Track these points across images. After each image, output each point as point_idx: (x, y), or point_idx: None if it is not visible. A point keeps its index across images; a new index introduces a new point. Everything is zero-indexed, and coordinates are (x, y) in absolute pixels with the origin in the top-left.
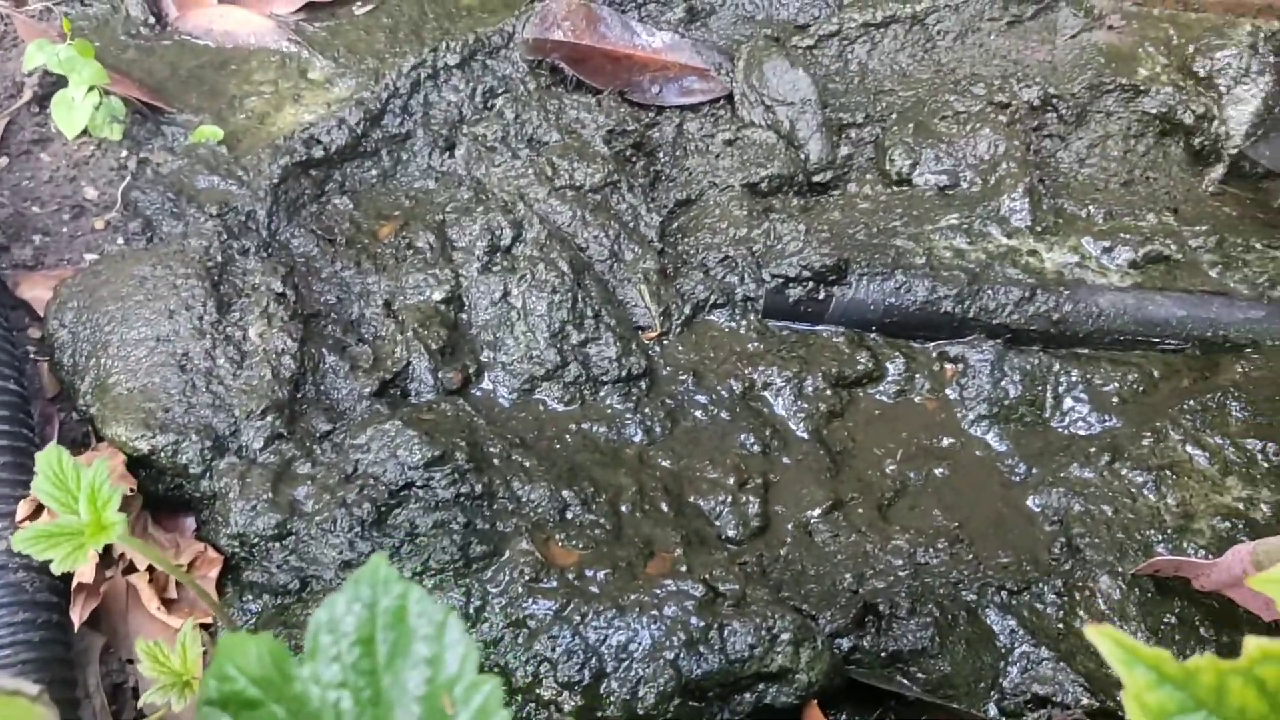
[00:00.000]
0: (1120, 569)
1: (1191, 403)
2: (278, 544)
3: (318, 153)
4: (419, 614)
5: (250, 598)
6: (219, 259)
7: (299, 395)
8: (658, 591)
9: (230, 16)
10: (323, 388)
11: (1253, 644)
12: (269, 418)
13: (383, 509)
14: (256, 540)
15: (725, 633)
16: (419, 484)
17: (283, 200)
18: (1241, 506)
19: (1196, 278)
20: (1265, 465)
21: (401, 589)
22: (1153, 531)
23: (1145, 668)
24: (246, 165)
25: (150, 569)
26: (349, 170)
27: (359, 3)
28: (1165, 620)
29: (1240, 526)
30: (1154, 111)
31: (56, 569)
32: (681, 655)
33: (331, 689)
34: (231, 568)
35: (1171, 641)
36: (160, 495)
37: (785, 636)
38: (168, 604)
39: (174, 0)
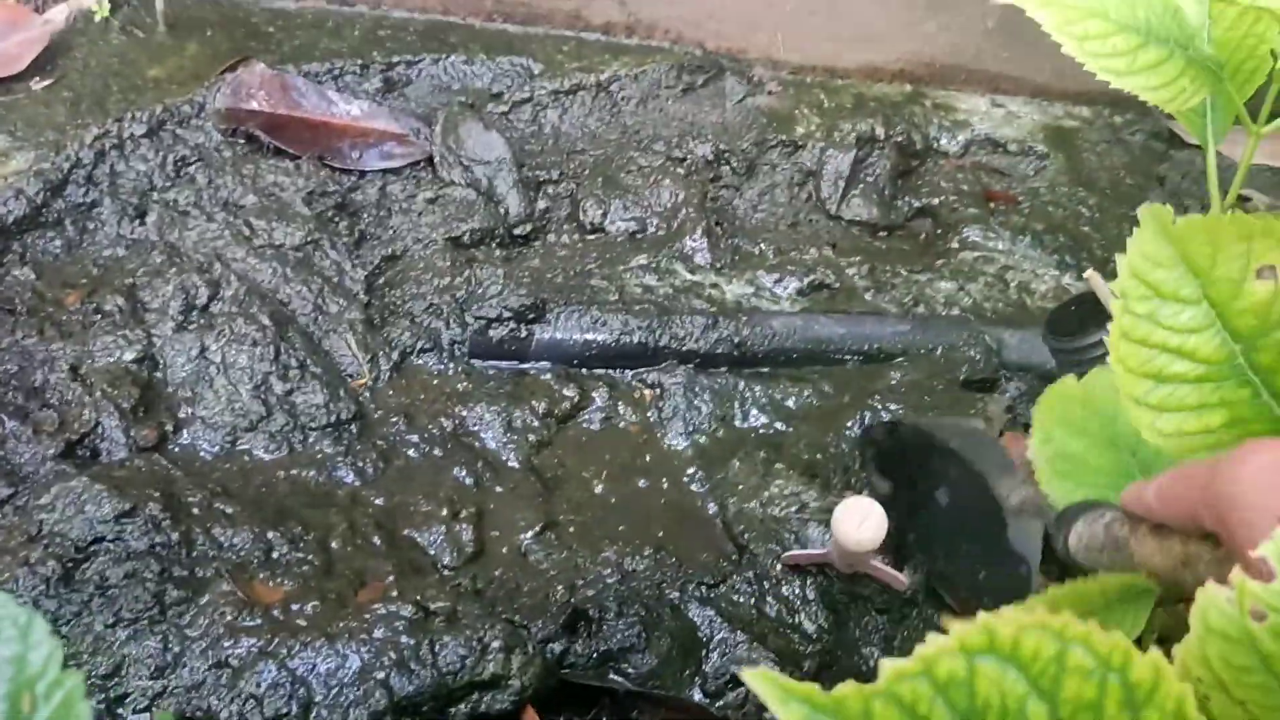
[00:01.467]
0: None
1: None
2: None
3: None
4: (1, 616)
5: None
6: None
7: None
8: (367, 617)
9: None
10: (3, 454)
11: (887, 665)
12: None
13: (69, 565)
14: None
15: (436, 647)
16: (109, 538)
17: None
18: None
19: (854, 301)
20: None
21: None
22: (801, 524)
23: (799, 702)
24: None
25: None
26: (29, 241)
27: (36, 78)
28: (839, 600)
29: None
30: (809, 165)
31: None
32: (393, 674)
33: None
34: None
35: (849, 615)
36: None
37: (496, 644)
38: None
39: None
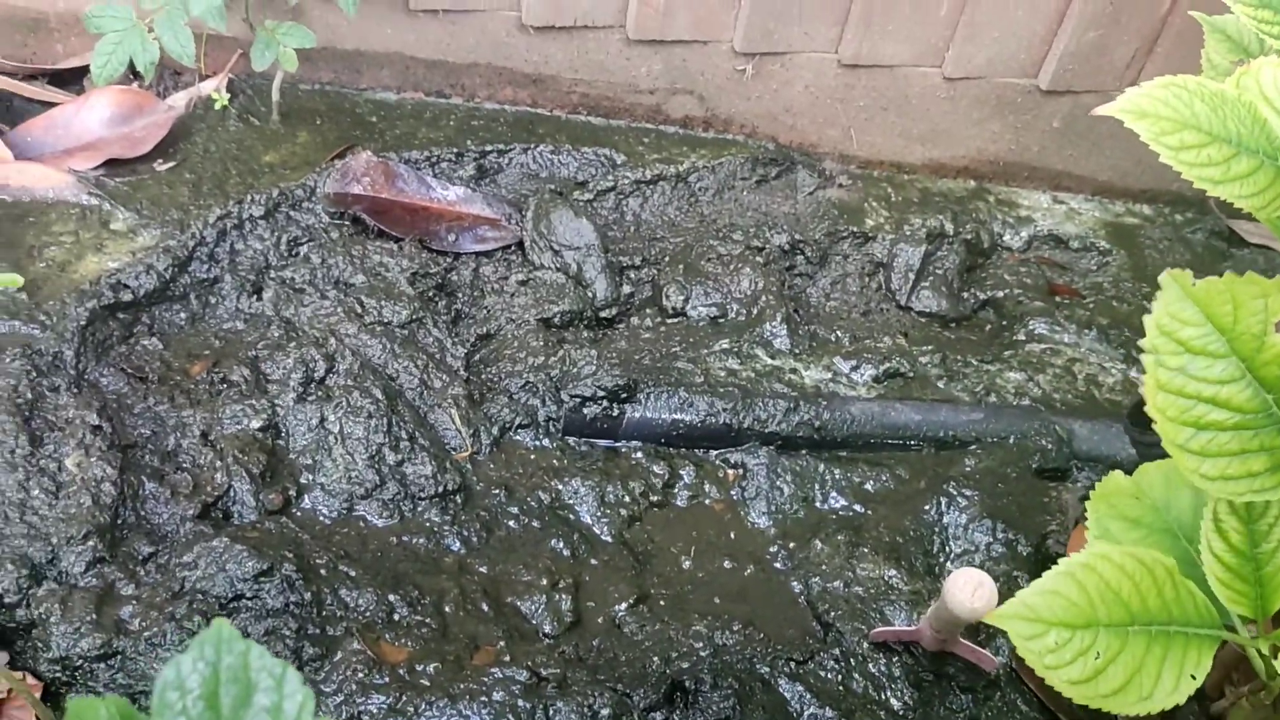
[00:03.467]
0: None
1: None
2: (103, 664)
3: (125, 296)
4: (259, 668)
5: None
6: (29, 396)
7: (119, 521)
8: (485, 679)
9: (27, 172)
10: (143, 513)
11: None
12: (90, 542)
13: (213, 620)
14: (80, 662)
15: (550, 712)
16: (249, 595)
17: (90, 342)
18: None
19: (927, 388)
20: (986, 540)
21: (244, 646)
22: (886, 604)
23: None
24: (49, 310)
25: None
26: (157, 313)
27: (160, 160)
28: (924, 678)
29: None
30: (880, 256)
31: None
32: None
33: None
34: (52, 694)
35: (935, 693)
36: None
37: (605, 712)
38: None
39: None
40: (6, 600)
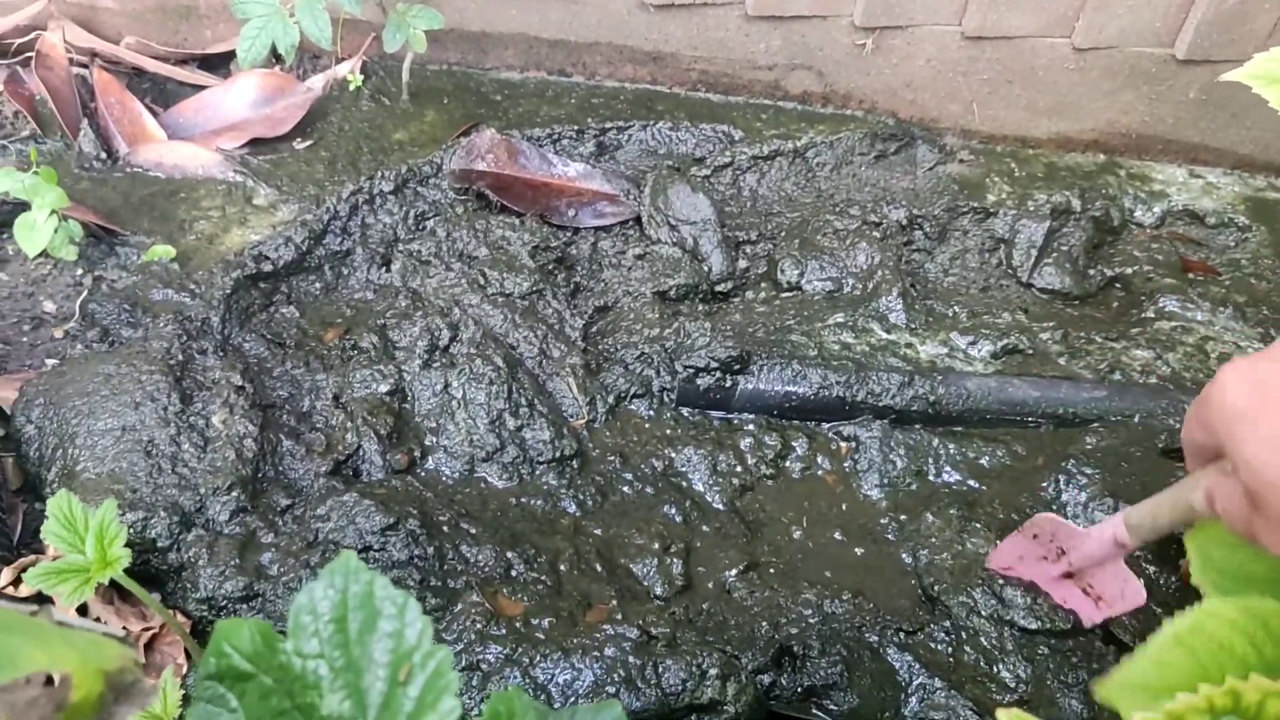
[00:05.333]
0: (982, 612)
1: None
2: (245, 605)
3: (266, 267)
4: (383, 598)
5: None
6: (180, 358)
7: (259, 475)
8: (598, 636)
9: (179, 151)
10: (281, 469)
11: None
12: (234, 493)
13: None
14: (225, 602)
15: (660, 669)
16: (376, 547)
17: (234, 309)
18: None
19: (1047, 365)
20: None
21: (369, 577)
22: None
23: None
24: (199, 279)
25: (125, 630)
26: (295, 283)
27: (299, 139)
28: (1039, 653)
29: None
30: (1001, 232)
31: (65, 604)
32: (621, 691)
33: (311, 659)
34: (199, 631)
35: (1048, 667)
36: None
37: (713, 672)
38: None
39: (125, 137)
40: (159, 544)
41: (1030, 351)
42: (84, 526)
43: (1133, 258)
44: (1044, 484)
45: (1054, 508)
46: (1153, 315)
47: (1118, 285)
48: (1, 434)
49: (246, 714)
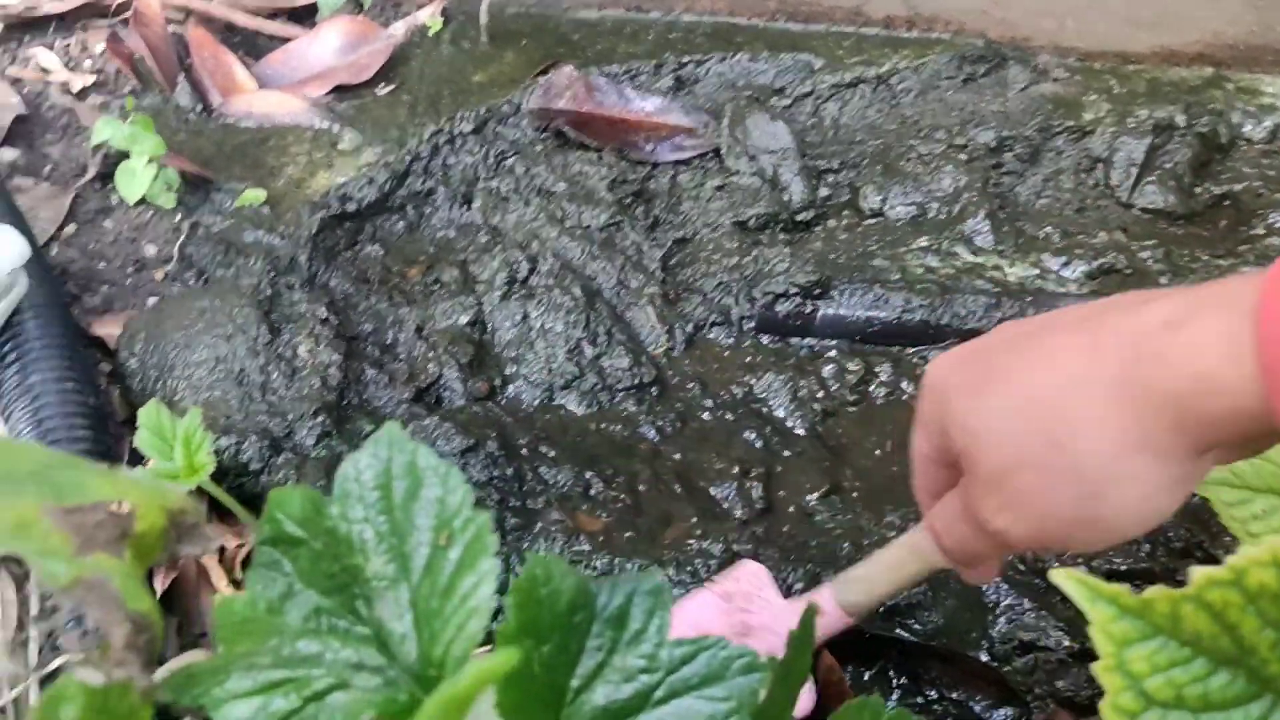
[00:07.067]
0: None
1: None
2: None
3: (350, 207)
4: (426, 466)
5: None
6: (268, 293)
7: (344, 402)
8: (686, 549)
9: (268, 100)
10: (365, 396)
11: (1197, 572)
12: (320, 418)
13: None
14: None
15: None
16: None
17: (321, 248)
18: None
19: (1147, 284)
20: None
21: (413, 446)
22: None
23: (1105, 602)
24: (287, 221)
25: (220, 550)
26: (379, 223)
27: (381, 84)
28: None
29: None
30: (1099, 152)
31: None
32: None
33: (356, 524)
34: None
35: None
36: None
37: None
38: (236, 585)
39: (218, 89)
40: (251, 468)
41: (1129, 271)
42: (172, 434)
43: (1242, 174)
44: None
45: None
46: (1263, 232)
47: (1226, 203)
48: (109, 369)
49: (299, 577)
